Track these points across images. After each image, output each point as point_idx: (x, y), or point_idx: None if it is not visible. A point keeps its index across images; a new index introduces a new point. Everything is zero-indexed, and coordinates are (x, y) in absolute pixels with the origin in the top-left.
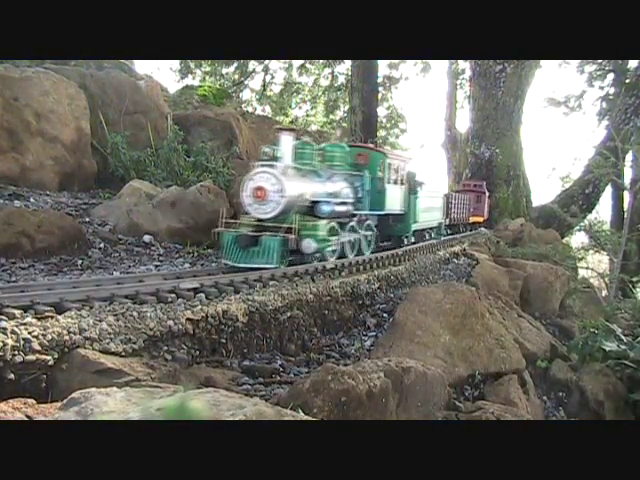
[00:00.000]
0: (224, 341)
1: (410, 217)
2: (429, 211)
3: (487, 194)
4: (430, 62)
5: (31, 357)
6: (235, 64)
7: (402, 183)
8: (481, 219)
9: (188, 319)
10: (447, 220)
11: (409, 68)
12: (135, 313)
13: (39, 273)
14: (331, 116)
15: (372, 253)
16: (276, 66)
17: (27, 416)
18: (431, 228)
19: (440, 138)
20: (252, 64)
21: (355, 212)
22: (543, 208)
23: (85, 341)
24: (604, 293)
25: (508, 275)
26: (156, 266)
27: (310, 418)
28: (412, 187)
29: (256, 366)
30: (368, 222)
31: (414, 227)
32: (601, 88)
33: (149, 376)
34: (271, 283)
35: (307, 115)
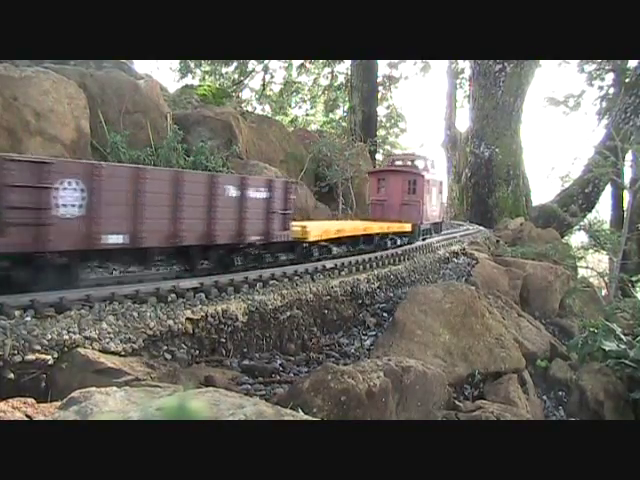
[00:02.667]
0: (224, 340)
1: None
2: None
3: (437, 181)
4: (430, 62)
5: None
6: (235, 64)
7: None
8: (408, 226)
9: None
10: None
11: (409, 67)
12: (135, 313)
13: None
14: (331, 115)
15: None
16: (276, 65)
17: (27, 415)
18: None
19: (440, 137)
20: (252, 64)
21: None
22: (543, 207)
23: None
24: (604, 292)
25: (508, 274)
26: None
27: (310, 418)
28: None
29: (256, 365)
30: None
31: None
32: (600, 88)
33: (149, 375)
34: (271, 282)
35: (307, 114)
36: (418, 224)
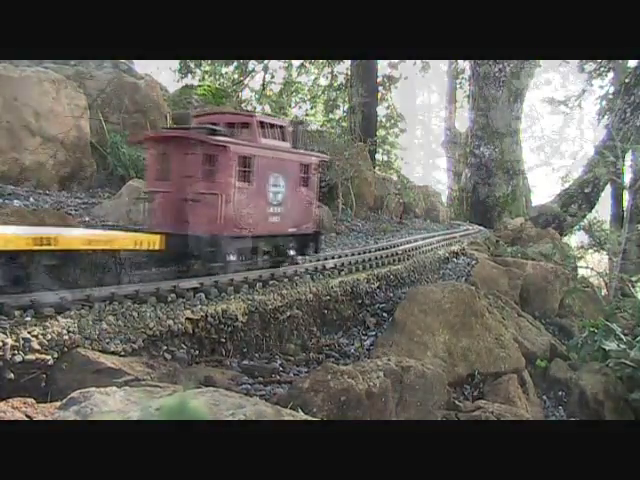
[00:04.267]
0: (224, 340)
1: None
2: None
3: (289, 161)
4: (430, 62)
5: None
6: (234, 63)
7: None
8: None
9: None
10: None
11: (409, 67)
12: (135, 313)
13: None
14: (331, 115)
15: None
16: (275, 65)
17: (27, 415)
18: None
19: (440, 138)
20: (252, 63)
21: None
22: (543, 207)
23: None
24: (604, 292)
25: (507, 274)
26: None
27: (309, 418)
28: None
29: (256, 366)
30: None
31: None
32: (601, 87)
33: (149, 375)
34: (271, 282)
35: (307, 114)
36: (207, 237)
